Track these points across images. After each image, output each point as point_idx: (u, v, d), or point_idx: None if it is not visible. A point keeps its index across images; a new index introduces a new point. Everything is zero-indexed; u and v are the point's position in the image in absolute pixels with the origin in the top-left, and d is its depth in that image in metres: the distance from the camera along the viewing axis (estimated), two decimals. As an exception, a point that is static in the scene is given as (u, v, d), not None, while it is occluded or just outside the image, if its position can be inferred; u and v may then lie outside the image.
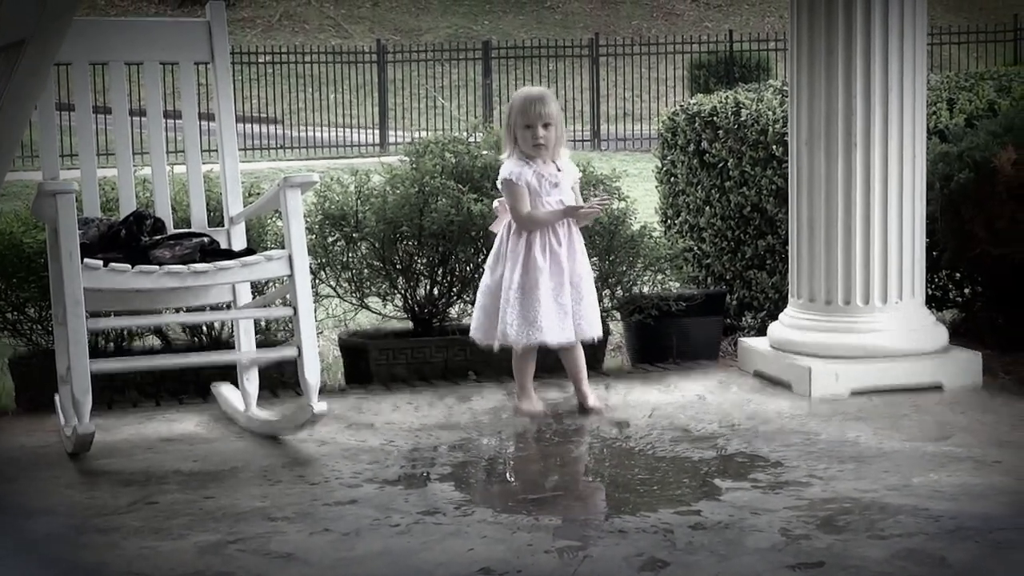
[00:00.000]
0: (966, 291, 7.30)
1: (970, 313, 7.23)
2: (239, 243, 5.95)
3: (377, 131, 23.98)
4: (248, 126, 21.64)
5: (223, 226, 5.99)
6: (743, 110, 7.44)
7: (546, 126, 5.82)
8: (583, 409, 5.90)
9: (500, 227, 5.97)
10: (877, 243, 6.15)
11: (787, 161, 6.56)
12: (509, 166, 5.88)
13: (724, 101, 7.70)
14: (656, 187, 8.50)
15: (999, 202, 6.45)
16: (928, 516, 4.33)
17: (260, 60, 24.46)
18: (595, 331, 5.91)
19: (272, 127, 23.39)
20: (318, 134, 23.42)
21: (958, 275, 7.24)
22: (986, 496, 4.57)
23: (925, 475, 4.81)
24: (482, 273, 6.78)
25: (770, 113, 7.25)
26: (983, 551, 4.03)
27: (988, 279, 7.03)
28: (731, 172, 7.48)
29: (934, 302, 7.14)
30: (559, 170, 5.90)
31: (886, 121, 6.10)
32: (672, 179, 8.22)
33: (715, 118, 7.65)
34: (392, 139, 23.44)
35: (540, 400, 5.96)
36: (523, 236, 5.83)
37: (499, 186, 5.96)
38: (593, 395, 5.97)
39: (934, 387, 6.09)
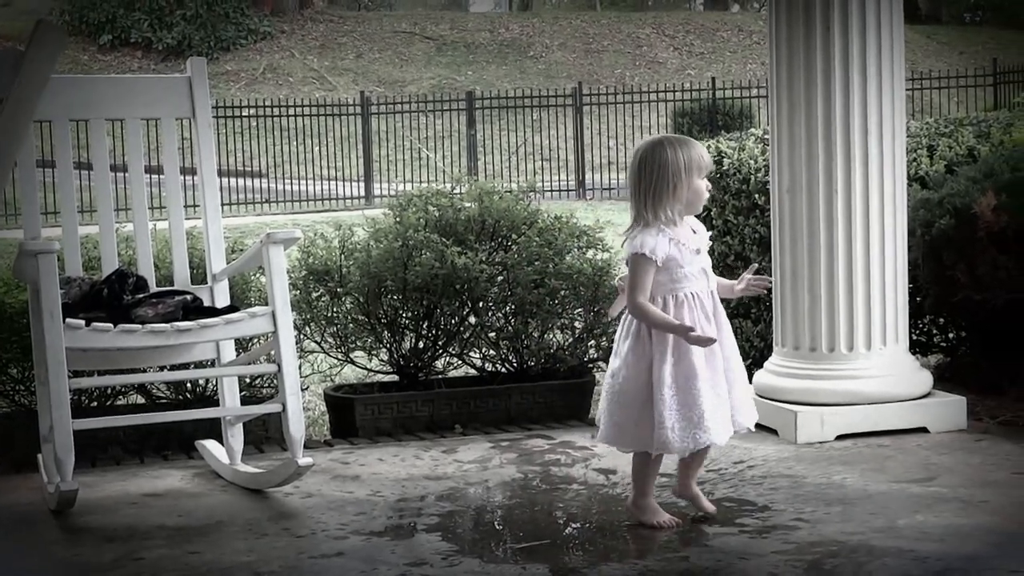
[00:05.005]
0: (950, 336, 7.32)
1: (954, 357, 7.25)
2: (222, 300, 5.94)
3: (362, 183, 24.03)
4: (232, 180, 21.67)
5: (206, 283, 5.99)
6: (725, 159, 7.46)
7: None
8: (703, 516, 4.91)
9: (618, 309, 4.93)
10: (860, 290, 6.16)
11: (769, 210, 6.57)
12: (642, 238, 4.67)
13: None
14: (640, 236, 8.49)
15: (980, 247, 6.47)
16: (914, 558, 4.32)
17: (244, 114, 24.51)
18: (752, 418, 4.90)
19: (256, 180, 23.44)
20: (303, 187, 23.45)
21: (941, 320, 7.26)
22: (973, 536, 4.57)
23: (911, 516, 4.81)
24: (467, 326, 6.78)
25: (752, 162, 7.28)
26: (970, 595, 4.04)
27: (971, 324, 7.04)
28: (714, 221, 7.50)
29: (918, 347, 7.16)
30: (694, 232, 4.80)
31: (866, 168, 6.12)
32: (655, 228, 8.21)
33: (697, 167, 7.66)
34: (377, 191, 23.52)
35: (662, 511, 4.92)
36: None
37: (626, 262, 4.77)
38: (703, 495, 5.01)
39: (919, 431, 6.09)
